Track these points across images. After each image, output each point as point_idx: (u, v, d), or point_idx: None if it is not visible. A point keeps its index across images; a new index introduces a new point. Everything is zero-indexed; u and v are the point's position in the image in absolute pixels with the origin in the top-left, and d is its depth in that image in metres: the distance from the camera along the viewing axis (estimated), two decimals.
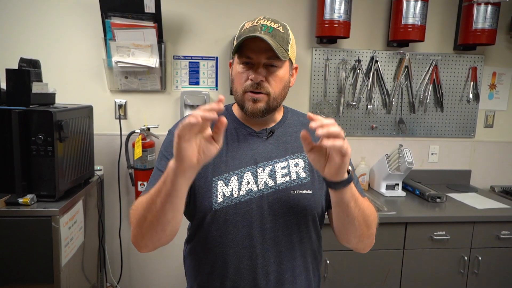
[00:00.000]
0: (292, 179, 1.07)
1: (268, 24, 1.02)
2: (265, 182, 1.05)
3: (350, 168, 0.90)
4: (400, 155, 2.47)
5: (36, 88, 1.89)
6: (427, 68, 2.72)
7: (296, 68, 1.13)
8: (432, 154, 2.85)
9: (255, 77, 1.01)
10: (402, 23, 2.47)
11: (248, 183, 1.04)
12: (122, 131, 2.47)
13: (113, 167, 2.52)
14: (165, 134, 1.17)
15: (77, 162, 2.06)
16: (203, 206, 1.04)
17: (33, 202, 1.81)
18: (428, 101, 2.74)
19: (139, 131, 2.41)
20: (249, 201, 1.03)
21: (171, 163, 0.81)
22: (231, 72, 1.11)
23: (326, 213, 1.17)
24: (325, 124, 0.79)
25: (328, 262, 2.16)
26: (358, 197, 0.96)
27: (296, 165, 1.09)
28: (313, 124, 0.80)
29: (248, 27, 1.03)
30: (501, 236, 2.27)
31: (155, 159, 2.41)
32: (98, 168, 2.43)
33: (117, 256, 2.59)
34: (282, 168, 1.08)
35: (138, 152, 2.35)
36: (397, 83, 2.69)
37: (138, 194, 2.47)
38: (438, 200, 2.41)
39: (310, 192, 1.08)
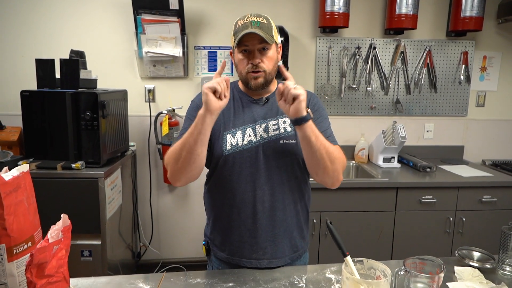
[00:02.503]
0: (280, 132, 1.43)
1: (256, 20, 1.37)
2: (261, 135, 1.42)
3: (309, 110, 1.25)
4: (394, 130, 2.78)
5: (83, 74, 2.30)
6: (422, 53, 3.02)
7: (280, 47, 1.49)
8: (427, 131, 3.15)
9: (254, 60, 1.37)
10: (396, 12, 2.78)
11: (249, 135, 1.41)
12: (151, 112, 2.87)
13: (144, 144, 2.93)
14: None
15: (115, 136, 2.47)
16: (216, 153, 1.41)
17: (82, 167, 2.22)
18: (422, 83, 3.04)
19: (165, 112, 2.80)
20: (250, 149, 1.40)
21: (201, 111, 1.22)
22: (233, 59, 1.47)
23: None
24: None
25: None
26: (319, 135, 1.28)
27: (284, 122, 1.45)
28: (280, 87, 1.22)
29: (241, 24, 1.37)
30: (483, 199, 2.56)
31: None
32: (132, 144, 2.84)
33: (148, 221, 3.01)
34: (273, 124, 1.44)
35: (165, 129, 2.74)
36: (394, 67, 3.00)
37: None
38: (428, 169, 2.72)
39: (294, 142, 1.43)
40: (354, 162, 3.00)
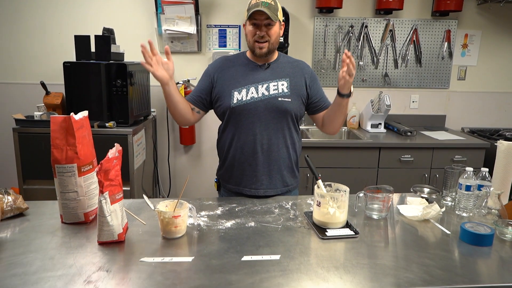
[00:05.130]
0: (279, 92, 1.84)
1: (265, 1, 1.76)
2: (262, 93, 1.82)
3: (352, 90, 1.74)
4: (381, 99, 3.18)
5: (113, 48, 2.73)
6: (409, 31, 3.38)
7: (283, 25, 1.89)
8: (413, 101, 3.53)
9: (260, 32, 1.77)
10: None
11: (252, 93, 1.82)
12: None
13: (163, 110, 3.37)
14: None
15: (140, 102, 2.91)
16: (225, 105, 1.82)
17: (114, 126, 2.68)
18: (409, 58, 3.42)
19: (181, 82, 3.23)
20: (252, 103, 1.81)
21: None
22: (245, 30, 1.87)
23: (313, 119, 2.01)
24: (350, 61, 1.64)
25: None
26: (347, 104, 1.81)
27: (282, 84, 1.85)
28: (345, 59, 1.62)
29: (254, 3, 1.77)
30: (455, 159, 2.97)
31: None
32: (153, 110, 3.29)
33: (166, 177, 3.49)
34: (273, 85, 1.84)
35: None
36: (383, 44, 3.38)
37: (182, 130, 3.31)
38: (409, 134, 3.13)
39: (290, 100, 1.84)
40: (346, 128, 3.41)
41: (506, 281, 1.16)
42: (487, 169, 1.68)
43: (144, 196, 1.44)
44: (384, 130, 3.29)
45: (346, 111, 1.84)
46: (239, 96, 1.81)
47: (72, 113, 1.53)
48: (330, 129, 1.96)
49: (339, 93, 1.76)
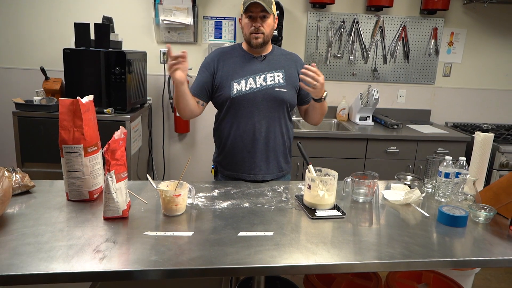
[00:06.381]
0: (275, 82, 1.94)
1: None
2: (260, 83, 1.93)
3: (325, 94, 1.87)
4: (369, 93, 3.31)
5: (112, 37, 2.80)
6: (398, 28, 3.50)
7: (277, 19, 1.99)
8: (400, 96, 3.67)
9: (255, 24, 1.87)
10: None
11: (250, 84, 1.92)
12: (165, 72, 3.38)
13: (159, 99, 3.45)
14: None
15: (137, 90, 2.99)
16: (225, 95, 1.92)
17: (112, 112, 2.75)
18: (397, 54, 3.54)
19: None
20: (251, 93, 1.91)
21: (174, 83, 1.79)
22: (241, 24, 1.96)
23: (298, 109, 2.14)
24: (312, 72, 1.74)
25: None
26: (323, 104, 1.93)
27: (278, 76, 1.96)
28: (309, 73, 1.74)
29: None
30: (437, 151, 3.12)
31: None
32: (149, 98, 3.37)
33: (160, 164, 3.58)
34: (270, 76, 1.95)
35: None
36: (373, 39, 3.50)
37: (177, 118, 3.40)
38: (395, 126, 3.26)
39: (286, 90, 1.95)
40: (335, 120, 3.54)
41: (476, 255, 1.30)
42: (464, 158, 1.81)
43: (148, 176, 1.54)
44: (372, 123, 3.42)
45: (323, 110, 2.00)
46: (239, 86, 1.91)
47: (78, 97, 1.61)
48: (311, 121, 2.12)
49: (313, 99, 1.91)
